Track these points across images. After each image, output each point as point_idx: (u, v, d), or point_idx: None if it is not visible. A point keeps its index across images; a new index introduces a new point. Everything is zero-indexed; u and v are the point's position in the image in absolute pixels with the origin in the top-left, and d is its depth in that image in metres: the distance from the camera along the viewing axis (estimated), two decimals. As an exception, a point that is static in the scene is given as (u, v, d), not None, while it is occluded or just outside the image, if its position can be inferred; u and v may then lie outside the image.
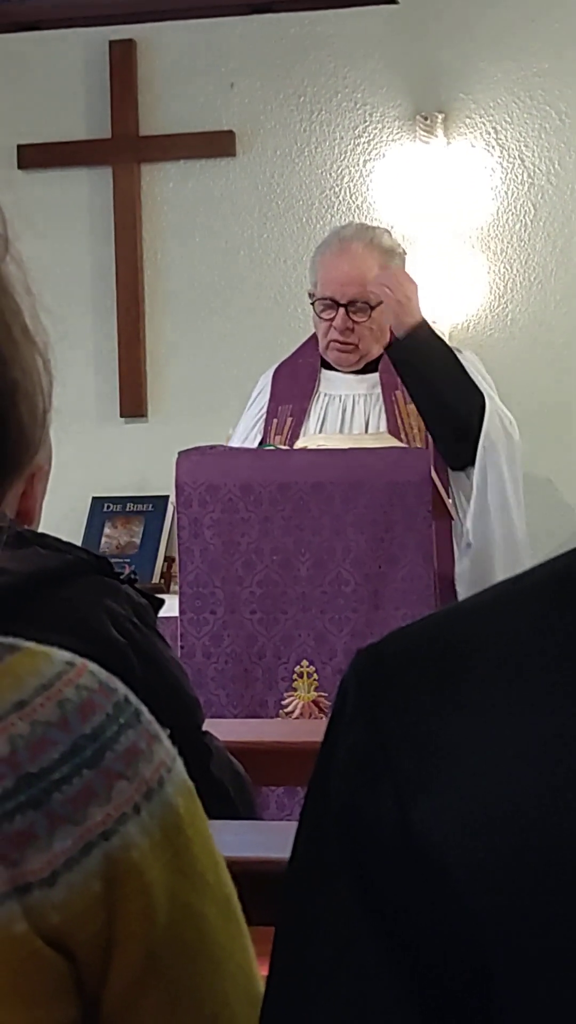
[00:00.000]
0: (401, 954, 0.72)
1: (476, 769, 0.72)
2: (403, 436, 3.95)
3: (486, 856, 0.71)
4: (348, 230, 4.09)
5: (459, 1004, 0.72)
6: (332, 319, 3.97)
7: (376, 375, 4.04)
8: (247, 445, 4.06)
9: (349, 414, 4.05)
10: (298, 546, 3.62)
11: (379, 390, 4.03)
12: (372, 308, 3.96)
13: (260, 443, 4.04)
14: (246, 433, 4.11)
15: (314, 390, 4.09)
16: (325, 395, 4.08)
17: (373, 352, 4.03)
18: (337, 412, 4.05)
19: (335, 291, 3.96)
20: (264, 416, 4.10)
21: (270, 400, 4.11)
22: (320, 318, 4.01)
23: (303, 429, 4.03)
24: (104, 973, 0.89)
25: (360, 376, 4.06)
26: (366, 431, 3.99)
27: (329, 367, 4.09)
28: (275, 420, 4.07)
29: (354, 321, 3.96)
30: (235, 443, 4.11)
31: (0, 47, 5.23)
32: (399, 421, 3.99)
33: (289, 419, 4.05)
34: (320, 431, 4.01)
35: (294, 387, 4.10)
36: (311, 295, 4.06)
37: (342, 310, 3.95)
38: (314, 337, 4.12)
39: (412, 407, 3.98)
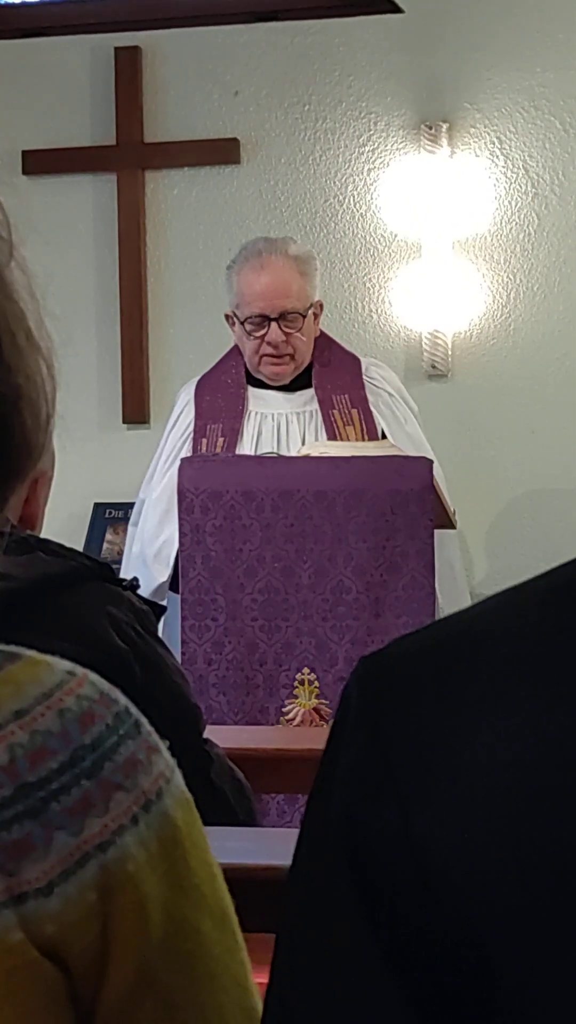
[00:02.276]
0: (403, 962, 0.72)
1: (479, 778, 0.72)
2: None
3: (489, 865, 0.71)
4: (259, 245, 4.09)
5: (460, 1012, 0.72)
6: (264, 335, 3.97)
7: (309, 391, 4.05)
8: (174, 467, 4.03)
9: (284, 432, 4.05)
10: (300, 553, 3.62)
11: (315, 406, 4.04)
12: (303, 317, 3.97)
13: None
14: (173, 453, 4.05)
15: (243, 408, 4.08)
16: (256, 413, 4.07)
17: (306, 360, 4.04)
18: (272, 430, 4.05)
19: (264, 306, 3.97)
20: (192, 435, 4.08)
21: (196, 418, 4.09)
22: (250, 337, 4.00)
23: (238, 448, 4.02)
24: (98, 985, 0.89)
25: (290, 393, 4.06)
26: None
27: (256, 384, 4.08)
28: (204, 439, 4.05)
29: (287, 332, 3.97)
30: (160, 466, 4.07)
31: (6, 53, 5.23)
32: (338, 440, 4.00)
33: (221, 439, 4.04)
34: (256, 450, 4.01)
35: (220, 404, 4.08)
36: (230, 316, 4.05)
37: (275, 324, 3.96)
38: (234, 352, 4.11)
39: (351, 428, 4.00)
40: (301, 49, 5.06)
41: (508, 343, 4.97)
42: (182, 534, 3.69)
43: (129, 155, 5.18)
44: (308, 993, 0.75)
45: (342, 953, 0.74)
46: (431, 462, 3.77)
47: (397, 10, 4.97)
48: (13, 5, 5.33)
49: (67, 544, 2.09)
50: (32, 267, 0.96)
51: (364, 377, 4.08)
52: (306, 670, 3.63)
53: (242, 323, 4.00)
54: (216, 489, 3.66)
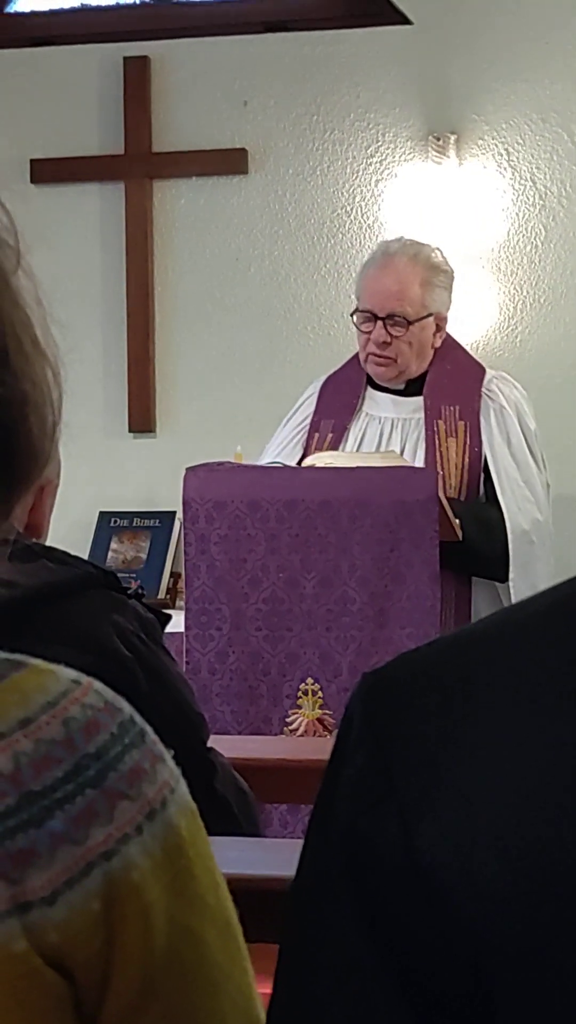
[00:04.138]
0: (403, 975, 0.72)
1: (479, 794, 0.72)
2: (440, 469, 3.88)
3: (489, 879, 0.71)
4: (395, 244, 4.04)
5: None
6: (371, 332, 3.95)
7: (420, 399, 4.00)
8: (284, 454, 4.03)
9: (387, 438, 4.01)
10: (304, 563, 3.62)
11: (420, 415, 3.99)
12: (410, 323, 3.93)
13: (301, 458, 4.01)
14: (286, 443, 4.05)
15: (357, 408, 4.06)
16: (367, 415, 4.04)
17: (412, 369, 3.98)
18: (375, 434, 4.01)
19: (374, 304, 3.94)
20: (307, 428, 4.07)
21: (315, 413, 4.07)
22: (360, 330, 3.99)
23: (341, 448, 3.99)
24: (102, 994, 0.89)
25: (403, 398, 4.02)
26: (382, 452, 3.96)
27: (375, 386, 4.06)
28: (316, 434, 4.04)
29: (391, 335, 3.93)
30: (271, 450, 4.08)
31: (15, 61, 5.24)
32: (438, 453, 3.92)
33: (330, 435, 4.02)
34: (357, 451, 3.98)
35: (339, 402, 4.06)
36: (356, 308, 4.04)
37: (380, 323, 3.92)
38: None
39: (452, 440, 3.94)
40: (310, 60, 5.07)
41: (514, 355, 4.97)
42: (187, 543, 3.70)
43: (137, 164, 5.19)
44: (310, 1006, 0.75)
45: (344, 966, 0.74)
46: (436, 473, 3.76)
47: (406, 21, 4.98)
48: (23, 14, 5.34)
49: (72, 552, 2.09)
50: (39, 275, 0.96)
51: (483, 390, 3.99)
52: (310, 680, 3.63)
53: (352, 315, 3.99)
54: (221, 499, 3.66)
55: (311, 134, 5.09)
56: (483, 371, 4.06)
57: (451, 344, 4.07)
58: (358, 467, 3.73)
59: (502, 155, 4.97)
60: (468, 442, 3.93)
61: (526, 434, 4.00)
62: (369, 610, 3.60)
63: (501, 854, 0.71)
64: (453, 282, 4.06)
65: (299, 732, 3.60)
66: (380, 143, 5.05)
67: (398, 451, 3.95)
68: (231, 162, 5.11)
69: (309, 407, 4.09)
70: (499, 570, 3.87)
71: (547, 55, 4.89)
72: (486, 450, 3.93)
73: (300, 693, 3.63)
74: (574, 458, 4.89)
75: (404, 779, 0.74)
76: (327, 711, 3.61)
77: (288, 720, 3.62)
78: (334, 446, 3.98)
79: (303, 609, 3.62)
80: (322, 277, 5.09)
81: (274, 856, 2.10)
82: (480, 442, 3.94)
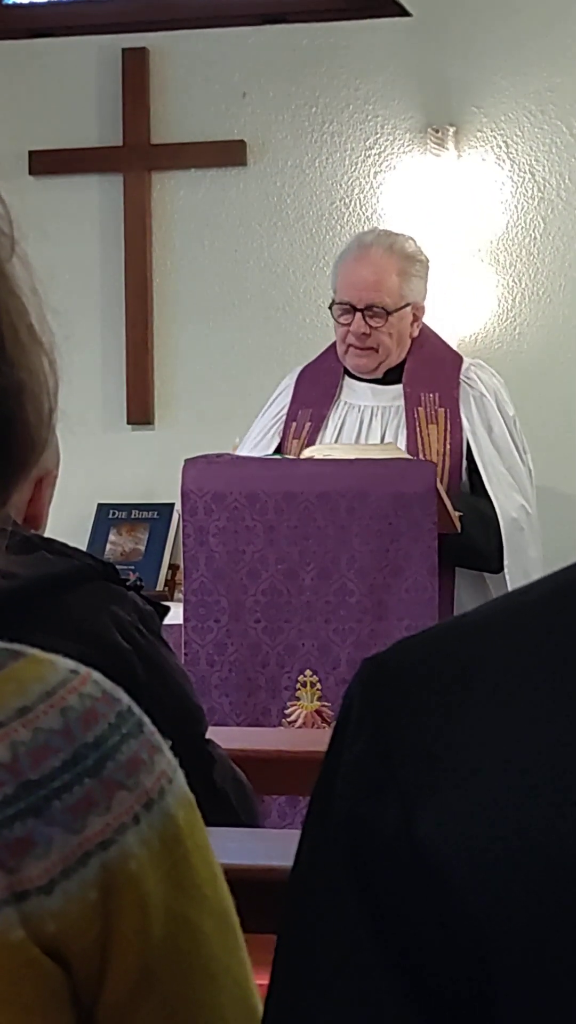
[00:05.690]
0: (403, 963, 0.72)
1: (479, 779, 0.72)
2: (422, 455, 3.90)
3: (489, 866, 0.71)
4: (369, 236, 4.06)
5: (461, 1013, 0.71)
6: (349, 324, 3.96)
7: (399, 387, 4.02)
8: (261, 445, 4.04)
9: (366, 426, 4.02)
10: (303, 555, 3.62)
11: (400, 402, 4.00)
12: (389, 313, 3.94)
13: (278, 447, 4.02)
14: (262, 433, 4.07)
15: (335, 397, 4.07)
16: (346, 403, 4.06)
17: (393, 359, 3.99)
18: (355, 422, 4.03)
19: (352, 296, 3.95)
20: (284, 419, 4.08)
21: (291, 403, 4.08)
22: (338, 323, 4.00)
23: (320, 437, 4.00)
24: (99, 983, 0.89)
25: (382, 387, 4.03)
26: (381, 444, 3.97)
27: (352, 375, 4.07)
28: (294, 424, 4.05)
29: (370, 326, 3.94)
30: (248, 441, 4.08)
31: (13, 53, 5.24)
32: (419, 439, 3.94)
33: (308, 424, 4.03)
34: (336, 440, 3.99)
35: (316, 392, 4.07)
36: (333, 301, 4.05)
37: (359, 315, 3.93)
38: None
39: (434, 427, 3.95)
40: (309, 52, 5.06)
41: (513, 347, 4.97)
42: (185, 535, 3.70)
43: (136, 156, 5.18)
44: (309, 994, 0.75)
45: (343, 953, 0.74)
46: (435, 465, 3.76)
47: (405, 13, 4.97)
48: (21, 5, 5.34)
49: (70, 544, 2.09)
50: (37, 267, 0.96)
51: (461, 377, 4.01)
52: (308, 672, 3.63)
53: (331, 308, 4.00)
54: (220, 491, 3.66)
55: (310, 126, 5.08)
56: (460, 359, 4.10)
57: (427, 333, 4.09)
58: (357, 459, 3.73)
59: (501, 147, 4.96)
60: (449, 428, 3.95)
61: (506, 421, 4.03)
62: (368, 602, 3.60)
63: (502, 840, 0.71)
64: (428, 271, 4.07)
65: (297, 724, 3.61)
66: (379, 135, 5.05)
67: (379, 438, 3.96)
68: (230, 154, 5.11)
69: (285, 398, 4.11)
70: (494, 561, 3.89)
71: (546, 47, 4.89)
72: (468, 437, 3.95)
73: (299, 685, 3.63)
74: (571, 449, 4.89)
75: (404, 765, 0.74)
76: (325, 703, 3.61)
77: (287, 712, 3.63)
78: (312, 435, 3.99)
79: (302, 601, 3.62)
80: (320, 269, 5.09)
81: (272, 847, 2.10)
82: (461, 428, 3.96)
